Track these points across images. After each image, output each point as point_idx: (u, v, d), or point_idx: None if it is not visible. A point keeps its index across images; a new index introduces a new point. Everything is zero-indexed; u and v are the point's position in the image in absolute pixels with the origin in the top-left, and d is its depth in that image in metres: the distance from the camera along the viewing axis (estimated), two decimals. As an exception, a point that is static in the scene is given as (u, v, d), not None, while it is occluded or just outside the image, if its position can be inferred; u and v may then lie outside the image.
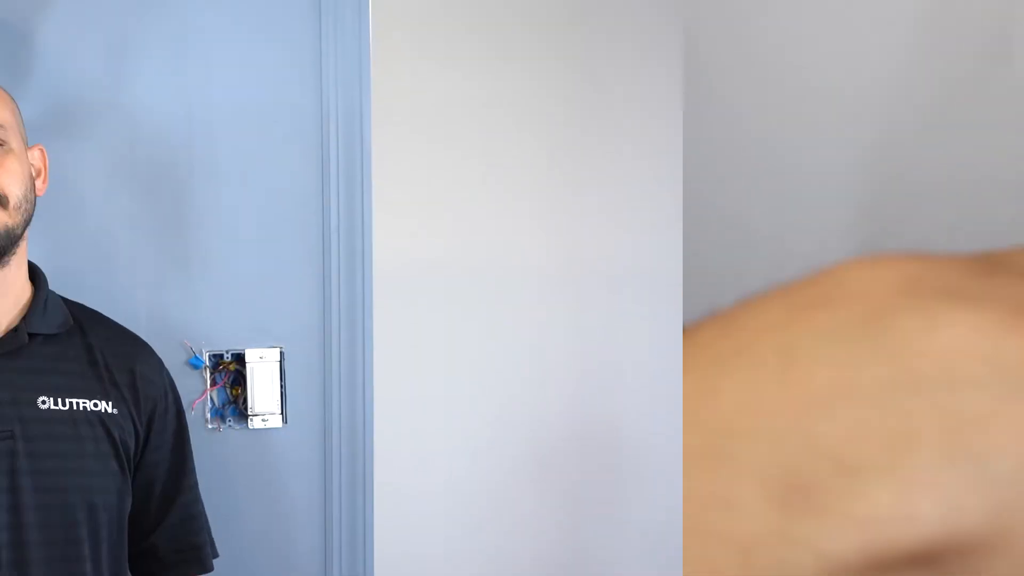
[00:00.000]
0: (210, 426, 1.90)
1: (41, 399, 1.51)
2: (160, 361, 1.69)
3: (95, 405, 1.56)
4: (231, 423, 1.91)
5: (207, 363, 1.89)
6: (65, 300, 1.63)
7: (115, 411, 1.57)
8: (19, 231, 1.50)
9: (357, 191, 1.95)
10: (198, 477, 1.82)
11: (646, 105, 3.16)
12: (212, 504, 1.87)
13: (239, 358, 1.91)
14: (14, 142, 1.52)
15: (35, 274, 1.60)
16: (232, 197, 1.90)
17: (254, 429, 1.92)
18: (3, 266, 1.50)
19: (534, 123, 2.98)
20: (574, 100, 3.08)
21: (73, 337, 1.59)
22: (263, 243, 1.92)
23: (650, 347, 3.20)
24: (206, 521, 1.73)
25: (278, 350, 1.92)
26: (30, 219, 1.53)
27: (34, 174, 1.56)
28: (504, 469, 3.00)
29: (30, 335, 1.53)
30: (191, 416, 1.87)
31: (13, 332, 1.52)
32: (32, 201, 1.53)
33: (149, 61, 1.87)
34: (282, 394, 1.93)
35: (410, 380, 2.86)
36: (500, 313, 2.98)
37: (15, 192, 1.48)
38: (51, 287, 1.63)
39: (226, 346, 1.90)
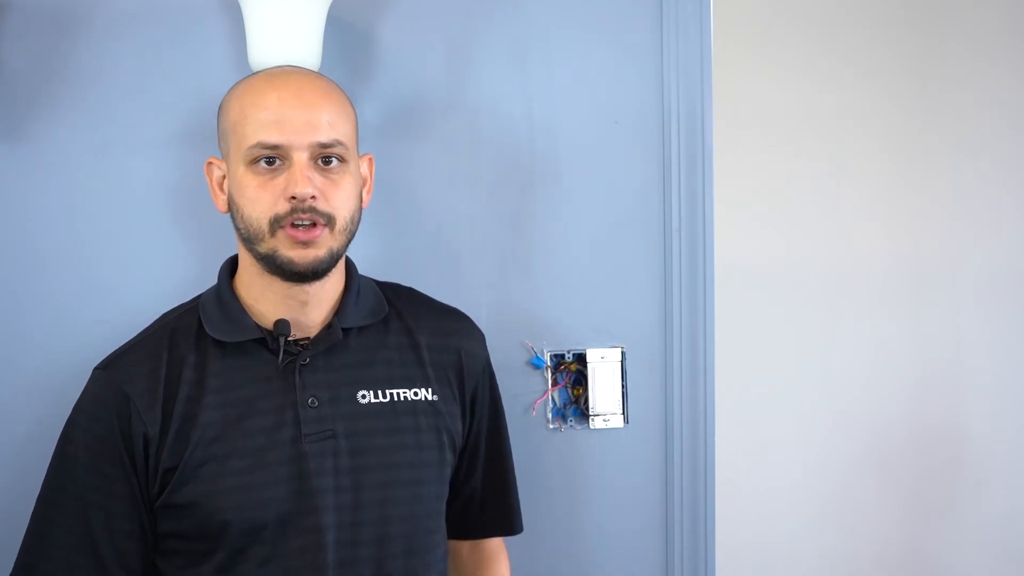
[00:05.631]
0: (551, 426, 1.89)
1: (361, 393, 1.52)
2: (481, 333, 1.67)
3: (415, 394, 1.55)
4: (572, 423, 1.90)
5: (548, 363, 1.88)
6: (378, 283, 1.62)
7: (436, 397, 1.57)
8: (342, 251, 1.50)
9: (698, 193, 1.90)
10: (538, 475, 1.84)
11: (992, 106, 2.96)
12: (554, 503, 1.89)
13: (580, 358, 1.89)
14: (352, 160, 1.51)
15: (347, 266, 1.59)
16: (573, 197, 1.89)
17: (595, 429, 1.90)
18: (323, 278, 1.50)
19: (875, 125, 2.86)
20: (917, 103, 2.92)
21: (391, 322, 1.59)
22: (604, 243, 1.89)
23: (994, 347, 3.02)
24: (516, 485, 1.72)
25: (619, 350, 1.89)
26: (353, 237, 1.52)
27: (361, 184, 1.55)
28: (844, 468, 2.91)
29: (344, 330, 1.53)
30: (532, 417, 1.87)
31: (327, 329, 1.52)
32: (357, 221, 1.52)
33: (490, 62, 1.87)
34: (623, 394, 1.90)
35: (751, 380, 2.81)
36: (840, 313, 2.88)
37: (344, 215, 1.48)
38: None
39: (567, 346, 1.89)
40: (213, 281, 1.58)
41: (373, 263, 1.67)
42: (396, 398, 1.54)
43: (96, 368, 1.52)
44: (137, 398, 1.46)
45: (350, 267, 1.59)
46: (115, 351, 1.54)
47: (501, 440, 1.69)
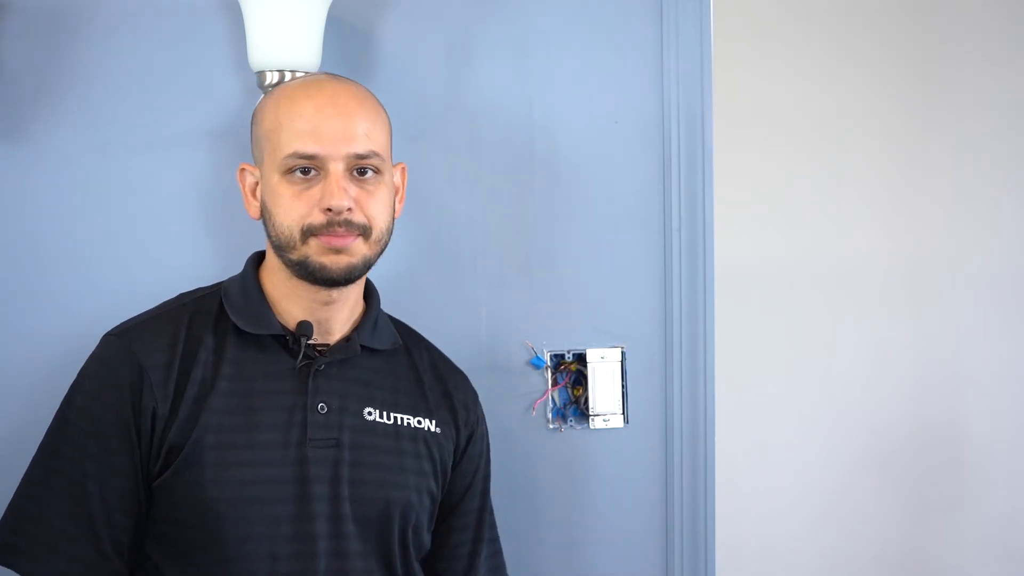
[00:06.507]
0: (551, 426, 1.89)
1: (367, 410, 1.52)
2: (476, 394, 1.68)
3: (419, 422, 1.56)
4: (572, 423, 1.90)
5: (548, 363, 1.88)
6: (392, 319, 1.64)
7: (438, 430, 1.58)
8: (374, 260, 1.50)
9: (698, 193, 1.90)
10: (539, 476, 1.85)
11: (992, 106, 2.96)
12: (554, 503, 1.89)
13: (580, 358, 1.89)
14: (387, 171, 1.50)
15: (369, 291, 1.60)
16: (573, 198, 1.89)
17: (595, 429, 1.90)
18: (352, 283, 1.50)
19: (875, 125, 2.86)
20: (917, 103, 2.93)
21: (400, 356, 1.60)
22: (604, 244, 1.89)
23: (994, 346, 3.02)
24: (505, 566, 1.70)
25: (619, 350, 1.89)
26: (386, 247, 1.51)
27: (394, 194, 1.54)
28: (844, 468, 2.91)
29: (361, 347, 1.53)
30: (532, 417, 1.87)
31: (346, 342, 1.53)
32: (391, 232, 1.51)
33: (490, 63, 1.87)
34: (623, 394, 1.90)
35: (751, 380, 2.81)
36: (840, 313, 2.89)
37: (380, 224, 1.48)
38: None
39: (567, 346, 1.89)
40: (214, 280, 1.58)
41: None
42: (400, 422, 1.55)
43: (108, 334, 1.49)
44: (152, 371, 1.44)
45: (374, 295, 1.60)
46: (129, 320, 1.51)
47: (484, 516, 1.66)
